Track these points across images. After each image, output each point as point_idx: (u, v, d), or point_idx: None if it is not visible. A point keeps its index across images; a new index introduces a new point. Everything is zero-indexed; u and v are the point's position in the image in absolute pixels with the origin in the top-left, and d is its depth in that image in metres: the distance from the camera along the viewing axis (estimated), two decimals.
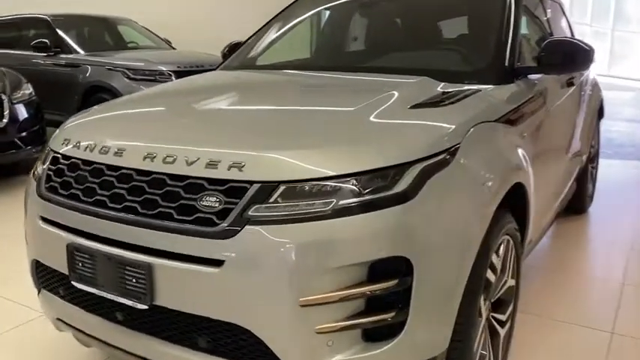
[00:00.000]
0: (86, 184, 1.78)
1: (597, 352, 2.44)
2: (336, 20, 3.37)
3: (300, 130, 1.77)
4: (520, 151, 2.10)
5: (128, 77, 6.16)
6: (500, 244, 1.95)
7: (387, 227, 1.51)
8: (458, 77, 2.31)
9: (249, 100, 2.14)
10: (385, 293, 1.52)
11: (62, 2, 7.65)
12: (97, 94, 6.25)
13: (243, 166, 1.54)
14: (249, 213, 1.50)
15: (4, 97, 4.95)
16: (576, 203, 4.12)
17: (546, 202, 2.68)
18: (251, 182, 1.52)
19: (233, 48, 3.26)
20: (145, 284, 1.60)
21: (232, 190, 1.54)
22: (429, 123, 1.80)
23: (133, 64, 6.33)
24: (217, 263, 1.51)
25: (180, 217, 1.56)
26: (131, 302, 1.65)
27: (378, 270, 1.52)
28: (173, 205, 1.59)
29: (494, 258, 1.89)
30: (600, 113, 4.22)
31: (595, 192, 4.45)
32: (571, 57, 2.40)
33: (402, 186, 1.55)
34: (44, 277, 1.98)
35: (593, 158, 4.30)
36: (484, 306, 1.90)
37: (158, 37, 8.09)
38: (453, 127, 1.77)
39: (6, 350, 2.47)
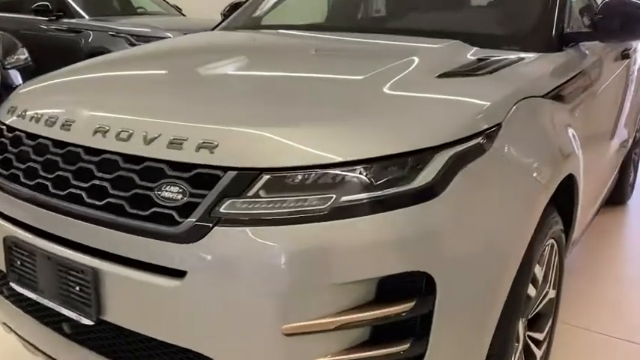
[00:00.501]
0: (28, 164, 1.43)
1: None
2: None
3: (293, 103, 1.38)
4: (571, 134, 1.69)
5: (131, 44, 5.78)
6: (543, 251, 1.56)
7: (404, 233, 1.13)
8: (495, 42, 1.89)
9: (237, 65, 1.76)
10: (398, 319, 1.15)
11: None
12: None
13: (215, 147, 1.17)
14: (221, 209, 1.13)
15: None
16: (616, 193, 3.68)
17: (593, 195, 2.28)
18: (225, 168, 1.15)
19: (234, 7, 2.85)
20: (90, 294, 1.25)
21: (200, 178, 1.17)
22: (460, 97, 1.40)
23: (137, 30, 5.95)
24: (178, 274, 1.15)
25: (133, 211, 1.20)
26: (74, 315, 1.30)
27: (389, 288, 1.15)
28: (125, 194, 1.22)
29: (536, 269, 1.51)
30: None
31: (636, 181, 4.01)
32: (634, 22, 1.96)
33: (424, 179, 1.17)
34: None
35: (638, 142, 3.85)
36: (521, 327, 1.53)
37: (168, 3, 7.68)
38: (492, 103, 1.37)
39: None
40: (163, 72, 1.77)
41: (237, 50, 2.03)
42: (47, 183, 1.36)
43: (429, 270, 1.15)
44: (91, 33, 6.16)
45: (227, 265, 1.12)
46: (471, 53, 1.76)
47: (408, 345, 1.16)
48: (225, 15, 2.85)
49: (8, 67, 4.75)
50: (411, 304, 1.14)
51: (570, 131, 1.69)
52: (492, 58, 1.70)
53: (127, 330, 1.25)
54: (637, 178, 4.00)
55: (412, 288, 1.16)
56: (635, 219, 3.71)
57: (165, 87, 1.57)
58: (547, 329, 1.80)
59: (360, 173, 1.15)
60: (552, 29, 1.95)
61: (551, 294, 1.77)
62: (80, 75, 1.77)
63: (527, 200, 1.33)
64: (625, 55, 2.57)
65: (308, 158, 1.14)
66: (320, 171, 1.14)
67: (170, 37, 5.75)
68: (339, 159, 1.14)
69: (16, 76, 4.80)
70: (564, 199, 1.76)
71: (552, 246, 1.66)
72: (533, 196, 1.35)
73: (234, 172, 1.14)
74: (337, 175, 1.14)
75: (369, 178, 1.15)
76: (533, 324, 1.73)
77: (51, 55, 5.99)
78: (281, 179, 1.14)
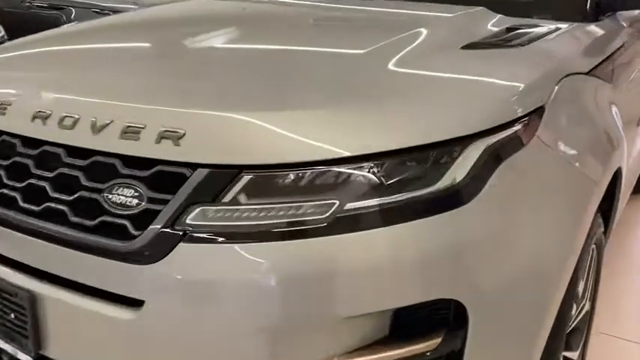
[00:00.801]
0: None
1: None
2: None
3: (284, 82, 1.08)
4: (619, 120, 1.42)
5: None
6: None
7: (427, 250, 0.87)
8: (523, 9, 1.61)
9: (218, 38, 1.45)
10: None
11: None
12: None
13: (181, 137, 0.89)
14: (188, 220, 0.86)
15: None
16: None
17: (628, 187, 2.01)
18: (194, 165, 0.88)
19: None
20: (27, 323, 0.98)
21: (161, 177, 0.89)
22: (491, 74, 1.12)
23: (122, 7, 5.59)
24: (133, 303, 0.88)
25: (77, 220, 0.93)
26: (10, 348, 1.03)
27: (408, 321, 0.89)
28: (67, 198, 0.95)
29: (580, 282, 1.25)
30: None
31: None
32: None
33: (452, 179, 0.90)
34: None
35: None
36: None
37: None
38: (532, 81, 1.09)
39: None
40: (126, 45, 1.47)
41: (219, 21, 1.73)
42: None
43: (460, 297, 0.89)
44: (73, 10, 5.79)
45: (196, 294, 0.85)
46: (496, 21, 1.47)
47: None
48: None
49: None
50: (436, 341, 0.89)
51: (617, 115, 1.42)
52: (523, 28, 1.42)
53: None
54: None
55: (438, 320, 0.90)
56: None
57: (125, 63, 1.27)
58: (581, 345, 1.55)
59: (370, 172, 0.88)
60: None
61: (587, 306, 1.52)
62: (26, 50, 1.48)
63: (579, 203, 1.07)
64: None
65: (302, 152, 0.87)
66: (318, 169, 0.87)
67: None
68: (343, 153, 0.87)
69: None
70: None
71: (592, 252, 1.40)
72: (585, 198, 1.08)
73: (206, 171, 0.87)
74: (340, 174, 0.87)
75: (380, 179, 0.88)
76: (567, 343, 1.48)
77: (32, 33, 5.66)
78: (267, 180, 0.87)
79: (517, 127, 0.99)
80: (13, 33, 4.80)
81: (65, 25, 2.00)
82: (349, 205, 0.86)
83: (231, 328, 0.84)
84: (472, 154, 0.92)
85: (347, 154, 0.87)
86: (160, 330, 0.87)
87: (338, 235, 0.84)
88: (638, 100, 1.89)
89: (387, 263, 0.85)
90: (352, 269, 0.84)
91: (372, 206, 0.86)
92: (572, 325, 1.45)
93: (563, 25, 1.52)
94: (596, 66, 1.38)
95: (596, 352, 1.95)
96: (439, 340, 0.89)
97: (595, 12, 1.67)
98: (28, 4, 6.11)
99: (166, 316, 0.86)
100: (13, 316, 1.01)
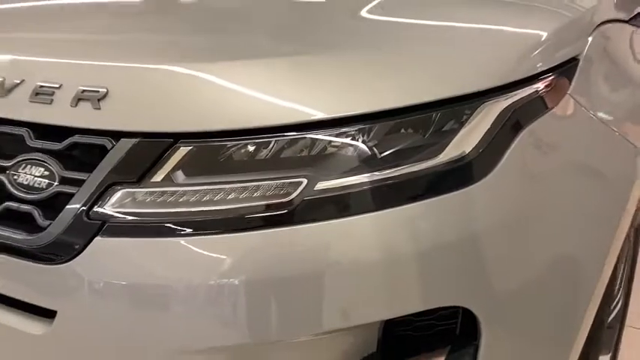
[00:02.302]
0: None
1: None
2: None
3: (236, 28, 0.87)
4: None
5: None
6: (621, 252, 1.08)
7: (427, 244, 0.65)
8: None
9: None
10: None
11: None
12: None
13: (102, 97, 0.68)
14: (109, 205, 0.65)
15: None
16: None
17: None
18: (117, 134, 0.67)
19: None
20: None
21: (78, 150, 0.69)
22: (512, 15, 0.89)
23: None
24: (43, 314, 0.68)
25: None
26: None
27: (401, 335, 0.68)
28: None
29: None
30: None
31: None
32: None
33: (460, 149, 0.68)
34: None
35: None
36: None
37: None
38: (562, 23, 0.86)
39: None
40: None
41: None
42: None
43: (470, 304, 0.67)
44: None
45: (118, 301, 0.64)
46: None
47: None
48: None
49: None
50: None
51: None
52: None
53: None
54: None
55: (440, 334, 0.69)
56: None
57: (45, 9, 1.06)
58: (612, 347, 1.34)
59: (352, 140, 0.66)
60: None
61: (621, 301, 1.30)
62: None
63: (623, 179, 0.84)
64: None
65: (261, 115, 0.66)
66: (281, 137, 0.65)
67: None
68: (315, 115, 0.66)
69: None
70: None
71: (629, 237, 1.18)
72: (631, 172, 0.85)
73: (133, 141, 0.66)
74: (313, 142, 0.66)
75: (365, 149, 0.66)
76: None
77: None
78: (213, 152, 0.65)
79: (544, 82, 0.77)
80: None
81: None
82: (322, 185, 0.64)
83: (160, 346, 0.64)
84: (490, 115, 0.70)
85: (321, 116, 0.66)
86: (74, 348, 0.67)
87: (307, 225, 0.63)
88: None
89: (374, 261, 0.64)
90: (327, 269, 0.63)
91: (354, 185, 0.65)
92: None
93: None
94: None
95: (624, 347, 1.74)
96: (442, 358, 0.68)
97: None
98: None
99: (82, 330, 0.66)
100: None
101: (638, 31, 1.11)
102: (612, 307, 1.23)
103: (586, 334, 0.79)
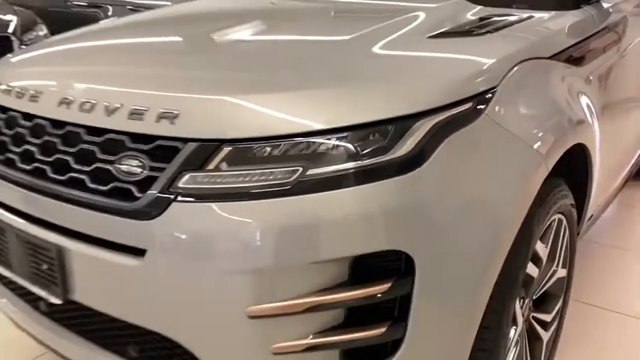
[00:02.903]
0: None
1: None
2: None
3: (268, 67, 1.28)
4: (584, 101, 1.54)
5: None
6: (548, 227, 1.44)
7: (379, 208, 1.03)
8: (503, 0, 1.74)
9: (223, 31, 1.65)
10: (374, 301, 1.06)
11: None
12: None
13: (175, 117, 1.09)
14: (180, 184, 1.05)
15: (13, 38, 4.61)
16: None
17: (614, 168, 2.11)
18: (185, 140, 1.07)
19: None
20: (56, 272, 1.20)
21: (160, 150, 1.09)
22: (451, 59, 1.28)
23: (156, 3, 5.88)
24: (138, 252, 1.08)
25: (94, 186, 1.14)
26: (44, 293, 1.26)
27: (364, 268, 1.06)
28: (86, 169, 1.16)
29: (538, 246, 1.39)
30: None
31: None
32: None
33: (404, 149, 1.06)
34: None
35: None
36: (521, 308, 1.42)
37: None
38: (486, 64, 1.24)
39: None
40: (140, 40, 1.68)
41: (224, 15, 1.93)
42: (15, 157, 1.31)
43: (407, 249, 1.05)
44: (110, 7, 6.13)
45: (186, 243, 1.04)
46: (473, 12, 1.62)
47: (385, 329, 1.07)
48: None
49: (28, 42, 4.76)
50: (386, 286, 1.05)
51: (583, 96, 1.55)
52: (496, 18, 1.56)
53: (96, 311, 1.20)
54: None
55: (390, 268, 1.07)
56: None
57: (136, 56, 1.49)
58: (556, 310, 1.69)
59: (331, 145, 1.05)
60: None
61: (561, 273, 1.65)
62: (55, 46, 1.70)
63: (522, 172, 1.21)
64: None
65: (272, 128, 1.05)
66: (286, 141, 1.05)
67: None
68: (305, 129, 1.05)
69: None
70: (577, 171, 1.63)
71: (560, 222, 1.53)
72: (530, 168, 1.22)
73: (195, 144, 1.06)
74: (304, 146, 1.05)
75: (339, 150, 1.05)
76: (540, 304, 1.62)
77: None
78: (244, 151, 1.05)
79: (468, 104, 1.15)
80: (56, 30, 5.14)
81: (98, 23, 2.22)
82: (311, 172, 1.03)
83: (211, 271, 1.03)
84: (424, 127, 1.08)
85: (307, 130, 1.05)
86: (159, 273, 1.07)
87: (301, 196, 1.02)
88: (623, 84, 1.99)
89: (342, 219, 1.02)
90: (312, 223, 1.02)
91: (331, 172, 1.03)
92: (544, 289, 1.59)
93: (538, 14, 1.65)
94: (562, 51, 1.51)
95: (575, 320, 2.07)
96: (389, 284, 1.05)
97: (575, 2, 1.79)
98: (69, 2, 6.48)
99: (163, 261, 1.06)
100: (45, 266, 1.23)
101: (557, 64, 1.47)
102: (548, 275, 1.58)
103: (495, 276, 1.15)
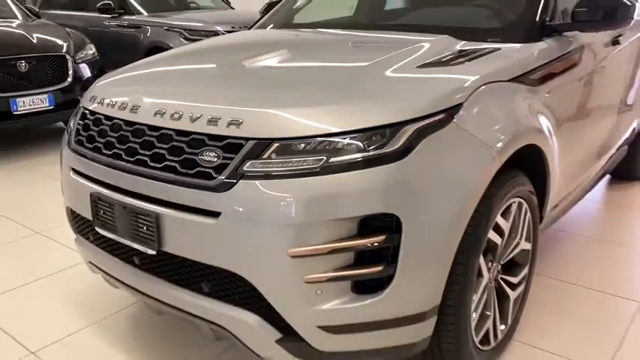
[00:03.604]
0: (107, 138, 1.92)
1: (621, 321, 2.39)
2: None
3: (302, 87, 1.82)
4: (538, 112, 2.04)
5: (185, 37, 6.34)
6: (509, 207, 1.93)
7: (378, 184, 1.54)
8: (481, 35, 2.25)
9: (267, 58, 2.19)
10: (373, 248, 1.56)
11: None
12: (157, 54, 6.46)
13: (240, 124, 1.61)
14: (244, 168, 1.57)
15: (68, 57, 5.25)
16: (628, 170, 3.94)
17: (576, 169, 2.59)
18: (247, 139, 1.59)
19: (270, 5, 3.30)
20: (154, 232, 1.72)
21: (229, 145, 1.61)
22: (431, 82, 1.79)
23: (189, 25, 6.50)
24: (214, 214, 1.60)
25: (183, 171, 1.66)
26: (142, 248, 1.78)
27: (368, 225, 1.56)
28: (177, 159, 1.69)
29: (500, 220, 1.88)
30: None
31: None
32: (609, 13, 2.26)
33: (395, 145, 1.57)
34: (77, 223, 2.16)
35: None
36: (487, 267, 1.90)
37: None
38: (456, 86, 1.75)
39: (58, 287, 2.73)
40: (206, 66, 2.24)
41: (267, 46, 2.49)
42: (121, 152, 1.84)
43: (397, 213, 1.55)
44: (149, 28, 6.75)
45: (248, 208, 1.56)
46: (456, 46, 2.12)
47: (381, 268, 1.57)
48: (262, 13, 3.30)
49: (79, 61, 5.39)
50: (382, 238, 1.55)
51: (538, 109, 2.04)
52: (471, 50, 2.06)
53: (181, 257, 1.72)
54: None
55: (385, 226, 1.57)
56: None
57: (206, 78, 2.04)
58: (522, 276, 2.16)
59: (346, 142, 1.56)
60: (533, 22, 2.28)
61: (525, 246, 2.13)
62: (142, 70, 2.26)
63: (480, 163, 1.71)
64: (615, 42, 2.84)
65: (306, 131, 1.57)
66: (314, 140, 1.56)
67: (220, 30, 6.27)
68: (329, 131, 1.56)
69: (85, 69, 5.44)
70: (537, 168, 2.11)
71: (521, 204, 2.02)
72: (486, 160, 1.72)
73: (254, 141, 1.58)
74: (328, 143, 1.56)
75: (352, 145, 1.56)
76: (508, 269, 2.10)
77: (114, 49, 6.65)
78: (287, 146, 1.57)
79: (441, 115, 1.66)
80: (99, 49, 5.77)
81: (168, 51, 2.78)
82: (332, 160, 1.54)
83: (265, 225, 1.54)
84: (409, 130, 1.59)
85: (331, 132, 1.56)
86: (229, 228, 1.58)
87: (325, 176, 1.53)
88: (581, 100, 2.48)
89: (353, 190, 1.53)
90: (332, 194, 1.52)
91: (346, 160, 1.54)
92: (511, 257, 2.08)
93: (509, 46, 2.15)
94: (520, 75, 2.01)
95: (540, 293, 2.54)
96: (384, 237, 1.55)
97: (539, 34, 2.28)
98: (105, 22, 7.14)
99: (233, 220, 1.58)
100: (145, 228, 1.75)
101: (517, 85, 1.97)
102: (514, 246, 2.06)
103: (459, 236, 1.65)
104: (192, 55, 2.49)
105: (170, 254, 1.74)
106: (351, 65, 2.02)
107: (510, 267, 2.11)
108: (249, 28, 3.08)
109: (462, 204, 1.66)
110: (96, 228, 1.94)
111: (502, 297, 2.09)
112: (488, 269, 1.92)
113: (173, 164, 1.69)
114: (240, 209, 1.57)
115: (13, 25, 5.61)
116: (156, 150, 1.74)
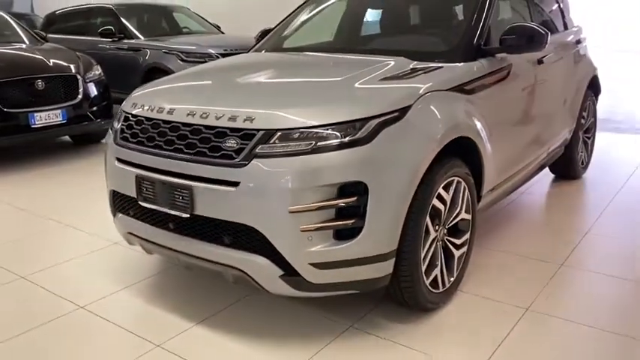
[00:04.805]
0: (148, 134, 2.56)
1: (546, 277, 3.05)
2: (345, 13, 4.04)
3: (295, 95, 2.51)
4: (471, 114, 2.73)
5: (182, 59, 6.99)
6: (450, 183, 2.60)
7: (351, 161, 2.20)
8: (430, 56, 2.94)
9: (266, 74, 2.87)
10: (348, 206, 2.21)
11: None
12: (155, 74, 7.09)
13: (253, 120, 2.27)
14: (256, 151, 2.22)
15: (78, 76, 5.87)
16: (568, 170, 4.65)
17: (510, 160, 3.28)
18: (257, 130, 2.25)
19: (263, 34, 3.99)
20: (188, 200, 2.36)
21: (245, 135, 2.27)
22: (389, 90, 2.48)
23: (185, 48, 7.14)
24: (235, 184, 2.25)
25: (211, 154, 2.31)
26: (178, 213, 2.41)
27: (344, 190, 2.22)
28: (206, 146, 2.33)
29: (442, 192, 2.54)
30: (593, 87, 4.69)
31: (592, 161, 4.95)
32: (528, 39, 2.98)
33: (363, 134, 2.24)
34: (119, 202, 2.78)
35: (587, 129, 4.78)
36: (434, 228, 2.56)
37: (209, 22, 8.90)
38: (406, 93, 2.44)
39: (85, 269, 3.32)
40: (222, 79, 2.92)
41: (266, 65, 3.17)
42: (160, 143, 2.48)
43: (365, 180, 2.21)
44: (148, 51, 7.39)
45: (259, 179, 2.21)
46: (412, 65, 2.81)
47: (354, 220, 2.22)
48: (257, 39, 3.99)
49: (88, 80, 6.01)
50: (354, 199, 2.21)
51: (470, 110, 2.73)
52: (421, 67, 2.76)
53: (208, 218, 2.35)
54: (590, 158, 4.95)
55: (356, 191, 2.23)
56: (583, 189, 4.66)
57: (226, 88, 2.72)
58: (464, 239, 2.83)
59: (328, 131, 2.22)
60: (470, 46, 2.99)
61: (465, 216, 2.79)
62: (169, 84, 2.92)
63: (423, 147, 2.38)
64: (540, 62, 3.57)
65: (300, 123, 2.23)
66: (306, 130, 2.22)
67: (213, 53, 6.94)
68: (317, 124, 2.22)
69: (93, 88, 6.06)
70: (473, 156, 2.79)
71: (459, 182, 2.69)
72: (427, 146, 2.39)
73: (263, 132, 2.24)
74: (316, 132, 2.22)
75: (333, 133, 2.22)
76: (453, 234, 2.76)
77: (116, 70, 7.26)
78: (286, 135, 2.22)
79: (395, 113, 2.33)
80: (102, 70, 6.38)
81: (191, 68, 3.45)
82: (319, 144, 2.20)
83: (272, 191, 2.19)
84: (373, 123, 2.26)
85: (318, 124, 2.23)
86: (246, 194, 2.23)
87: (314, 155, 2.18)
88: (509, 105, 3.19)
89: (334, 165, 2.18)
90: (319, 167, 2.18)
91: (329, 144, 2.20)
92: (453, 223, 2.74)
93: (449, 65, 2.85)
94: (455, 86, 2.70)
95: (482, 260, 3.21)
96: (355, 198, 2.21)
97: (475, 56, 2.98)
98: (101, 45, 7.76)
99: (248, 187, 2.22)
100: (181, 198, 2.38)
101: (454, 93, 2.66)
102: (455, 214, 2.73)
103: (409, 200, 2.31)
104: (208, 72, 3.18)
105: (200, 216, 2.37)
106: (330, 80, 2.70)
107: (455, 232, 2.78)
108: (248, 51, 3.76)
109: (411, 176, 2.32)
110: (139, 202, 2.56)
111: (449, 255, 2.74)
112: (435, 230, 2.58)
113: (203, 150, 2.33)
114: (254, 180, 2.22)
115: (29, 48, 6.22)
116: (189, 140, 2.39)
